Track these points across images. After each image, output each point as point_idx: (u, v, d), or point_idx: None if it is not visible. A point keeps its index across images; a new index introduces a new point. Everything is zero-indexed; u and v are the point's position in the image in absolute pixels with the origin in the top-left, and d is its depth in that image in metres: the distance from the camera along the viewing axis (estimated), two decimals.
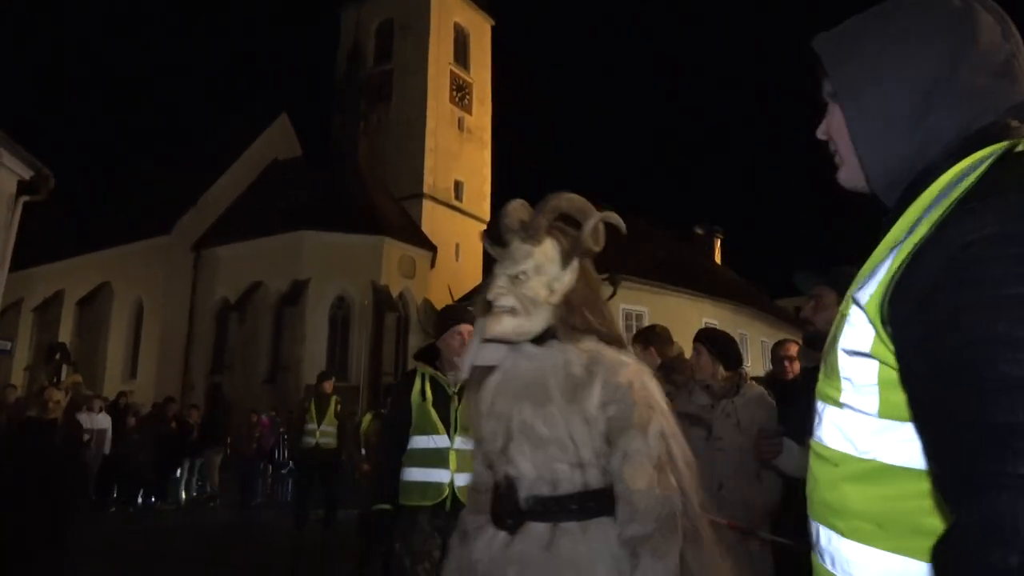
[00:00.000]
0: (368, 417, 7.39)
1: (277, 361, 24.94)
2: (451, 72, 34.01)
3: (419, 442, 3.07)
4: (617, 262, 18.71)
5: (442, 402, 3.09)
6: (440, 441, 3.04)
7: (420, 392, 3.11)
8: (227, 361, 25.27)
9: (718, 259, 29.12)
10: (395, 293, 26.39)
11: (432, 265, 28.42)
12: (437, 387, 3.13)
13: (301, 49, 70.30)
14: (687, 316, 18.02)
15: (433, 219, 31.25)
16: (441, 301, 26.94)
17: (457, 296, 22.43)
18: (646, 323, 19.66)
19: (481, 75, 35.91)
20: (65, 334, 27.67)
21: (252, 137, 31.58)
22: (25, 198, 13.31)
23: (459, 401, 3.00)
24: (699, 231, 28.85)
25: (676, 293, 19.46)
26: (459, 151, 33.69)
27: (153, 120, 71.77)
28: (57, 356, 19.46)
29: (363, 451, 7.05)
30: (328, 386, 8.14)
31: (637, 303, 18.91)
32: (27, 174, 13.22)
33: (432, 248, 28.53)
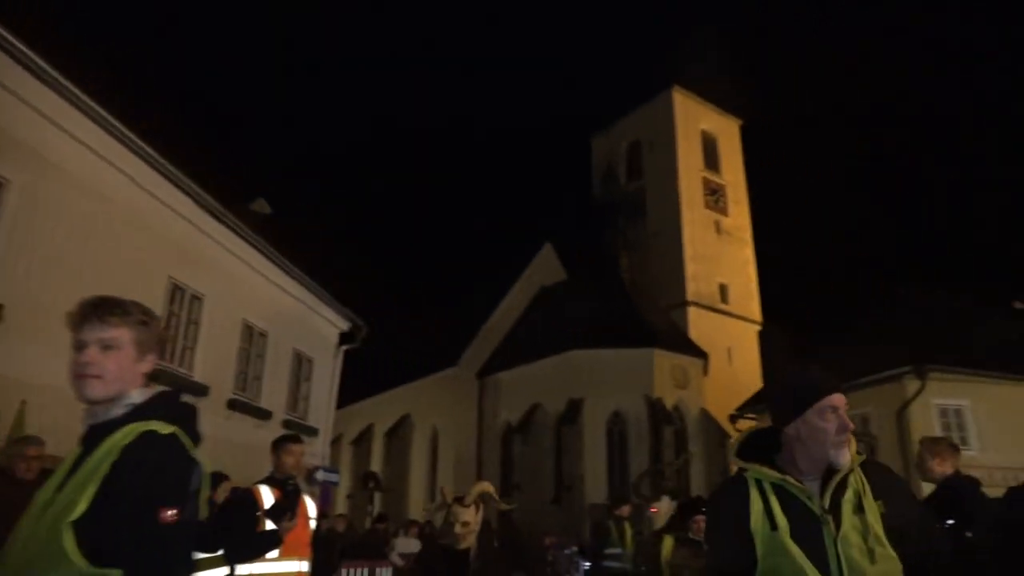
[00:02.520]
0: (669, 542, 5.81)
1: (560, 480, 25.38)
2: (703, 178, 34.13)
3: None
4: (923, 350, 16.63)
5: (807, 528, 1.86)
6: None
7: (764, 514, 1.90)
8: (514, 481, 26.29)
9: None
10: (669, 405, 25.81)
11: (705, 372, 27.50)
12: (791, 502, 1.90)
13: (558, 180, 75.75)
14: (1022, 406, 15.12)
15: (701, 325, 30.57)
16: (717, 409, 25.80)
17: (735, 406, 21.33)
18: (968, 420, 16.88)
19: (734, 175, 35.52)
20: (376, 463, 31.06)
21: (521, 269, 34.05)
22: (345, 347, 15.61)
23: (837, 525, 1.83)
24: (1019, 306, 24.51)
25: (1002, 380, 16.46)
26: (719, 254, 33.06)
27: (437, 268, 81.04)
28: (371, 484, 21.84)
29: None
30: (625, 510, 7.77)
31: (953, 396, 16.34)
32: (346, 326, 15.55)
33: (703, 355, 27.69)
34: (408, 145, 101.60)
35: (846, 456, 1.85)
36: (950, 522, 3.60)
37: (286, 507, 4.11)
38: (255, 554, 3.77)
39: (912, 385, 16.45)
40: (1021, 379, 16.64)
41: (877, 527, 1.82)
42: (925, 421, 16.45)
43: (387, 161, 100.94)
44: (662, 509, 16.26)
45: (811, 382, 1.99)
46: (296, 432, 4.78)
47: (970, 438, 15.95)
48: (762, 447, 2.05)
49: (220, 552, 3.67)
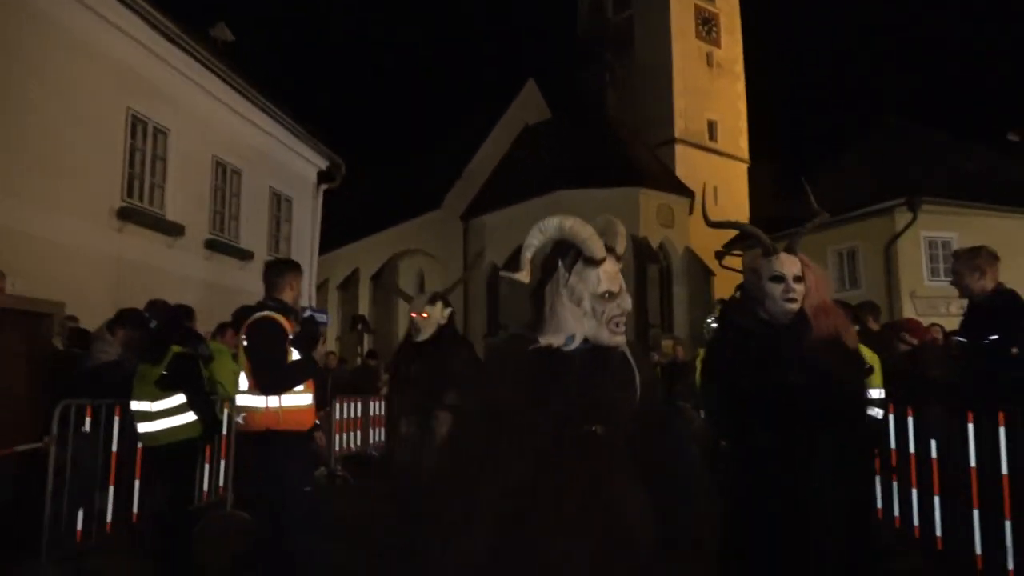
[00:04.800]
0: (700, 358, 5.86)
1: None
2: (695, 5, 32.05)
3: None
4: (914, 182, 16.33)
5: None
6: None
7: None
8: (502, 322, 26.72)
9: None
10: (655, 244, 25.80)
11: (691, 212, 27.25)
12: None
13: (542, 11, 71.38)
14: (1011, 238, 15.04)
15: (688, 164, 29.94)
16: (703, 249, 25.83)
17: (723, 243, 21.23)
18: (955, 250, 16.79)
19: (728, 3, 33.36)
20: (363, 307, 31.35)
21: (503, 106, 32.69)
22: (324, 186, 15.00)
23: None
24: (1013, 138, 24.04)
25: (993, 213, 16.32)
26: (710, 88, 31.77)
27: (418, 106, 78.09)
28: (359, 326, 22.06)
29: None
30: None
31: (943, 228, 16.25)
32: (323, 165, 14.86)
33: (690, 194, 27.33)
34: None
35: None
36: (993, 338, 3.37)
37: (314, 334, 3.90)
38: (293, 384, 3.61)
39: (903, 218, 16.31)
40: (1012, 211, 16.52)
41: None
42: (913, 254, 16.49)
43: None
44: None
45: None
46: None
47: None
48: None
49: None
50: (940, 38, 77.13)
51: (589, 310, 1.98)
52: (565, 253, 2.04)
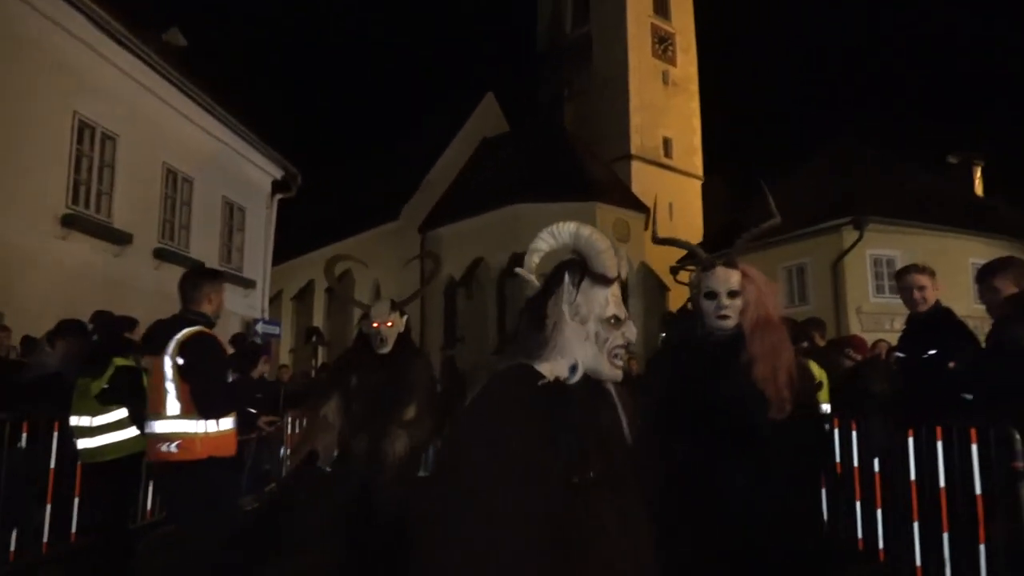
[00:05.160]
0: None
1: (503, 333, 25.82)
2: (651, 24, 32.63)
3: None
4: (861, 201, 16.85)
5: None
6: None
7: None
8: (459, 334, 26.62)
9: (979, 190, 25.12)
10: None
11: (646, 227, 27.63)
12: None
13: (501, 25, 71.88)
14: (951, 256, 15.63)
15: (644, 180, 30.36)
16: (658, 264, 26.21)
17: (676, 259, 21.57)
18: (898, 268, 17.34)
19: (683, 22, 34.03)
20: (318, 319, 30.88)
21: (462, 119, 32.72)
22: (279, 196, 14.79)
23: None
24: (953, 160, 25.05)
25: (934, 232, 16.94)
26: (666, 106, 32.32)
27: (376, 117, 77.69)
28: (313, 338, 21.78)
29: None
30: None
31: (887, 246, 16.78)
32: (278, 174, 14.66)
33: (645, 209, 27.71)
34: None
35: None
36: (932, 352, 3.48)
37: (255, 354, 3.74)
38: (235, 407, 3.42)
39: (850, 236, 16.80)
40: (951, 231, 17.17)
41: None
42: (859, 271, 16.99)
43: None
44: None
45: None
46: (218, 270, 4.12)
47: None
48: None
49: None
50: (887, 65, 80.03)
51: (592, 335, 1.77)
52: (570, 266, 1.81)
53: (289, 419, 9.53)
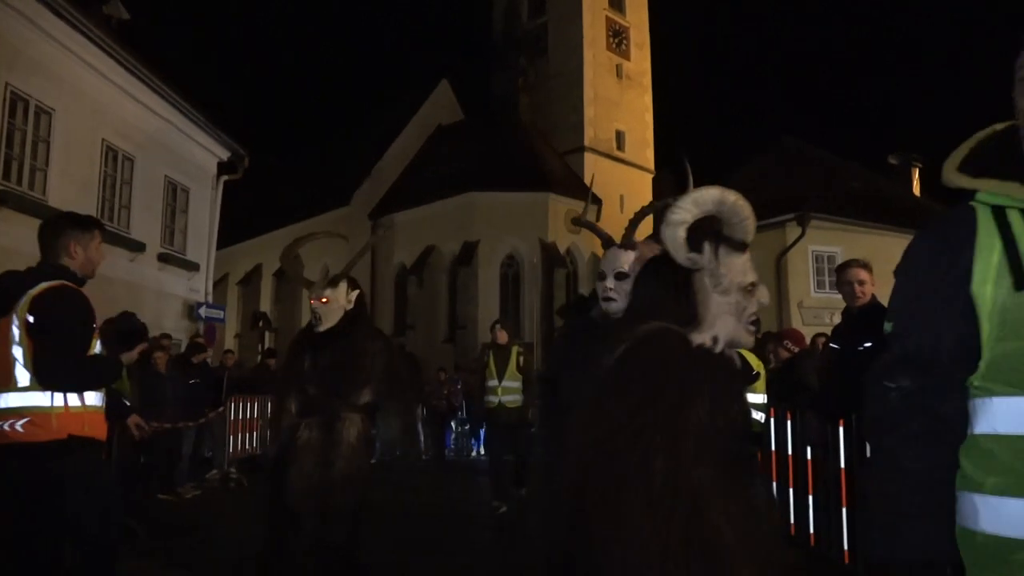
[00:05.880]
0: None
1: (455, 321, 25.77)
2: (607, 18, 32.78)
3: None
4: (804, 199, 17.32)
5: None
6: None
7: (1004, 264, 2.30)
8: (409, 322, 26.46)
9: (917, 191, 26.08)
10: (562, 249, 26.25)
11: (597, 219, 27.82)
12: None
13: (457, 11, 71.27)
14: (889, 254, 16.16)
15: (596, 172, 30.55)
16: None
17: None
18: (838, 264, 17.89)
19: (638, 17, 34.29)
20: (265, 304, 30.31)
21: (416, 105, 32.41)
22: (225, 178, 14.43)
23: None
24: (893, 161, 25.91)
25: (874, 230, 17.52)
26: (619, 99, 32.57)
27: (327, 100, 76.29)
28: (260, 324, 21.39)
29: None
30: (502, 335, 7.20)
31: (828, 243, 17.30)
32: (224, 155, 14.30)
33: (597, 201, 27.95)
34: None
35: None
36: (867, 345, 3.61)
37: (129, 331, 3.48)
38: (96, 383, 2.87)
39: (793, 232, 17.24)
40: (889, 229, 17.76)
41: None
42: (801, 267, 17.48)
43: None
44: None
45: None
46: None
47: None
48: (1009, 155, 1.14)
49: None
50: (832, 68, 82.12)
51: (732, 304, 1.68)
52: (707, 235, 1.69)
53: (231, 404, 9.36)
